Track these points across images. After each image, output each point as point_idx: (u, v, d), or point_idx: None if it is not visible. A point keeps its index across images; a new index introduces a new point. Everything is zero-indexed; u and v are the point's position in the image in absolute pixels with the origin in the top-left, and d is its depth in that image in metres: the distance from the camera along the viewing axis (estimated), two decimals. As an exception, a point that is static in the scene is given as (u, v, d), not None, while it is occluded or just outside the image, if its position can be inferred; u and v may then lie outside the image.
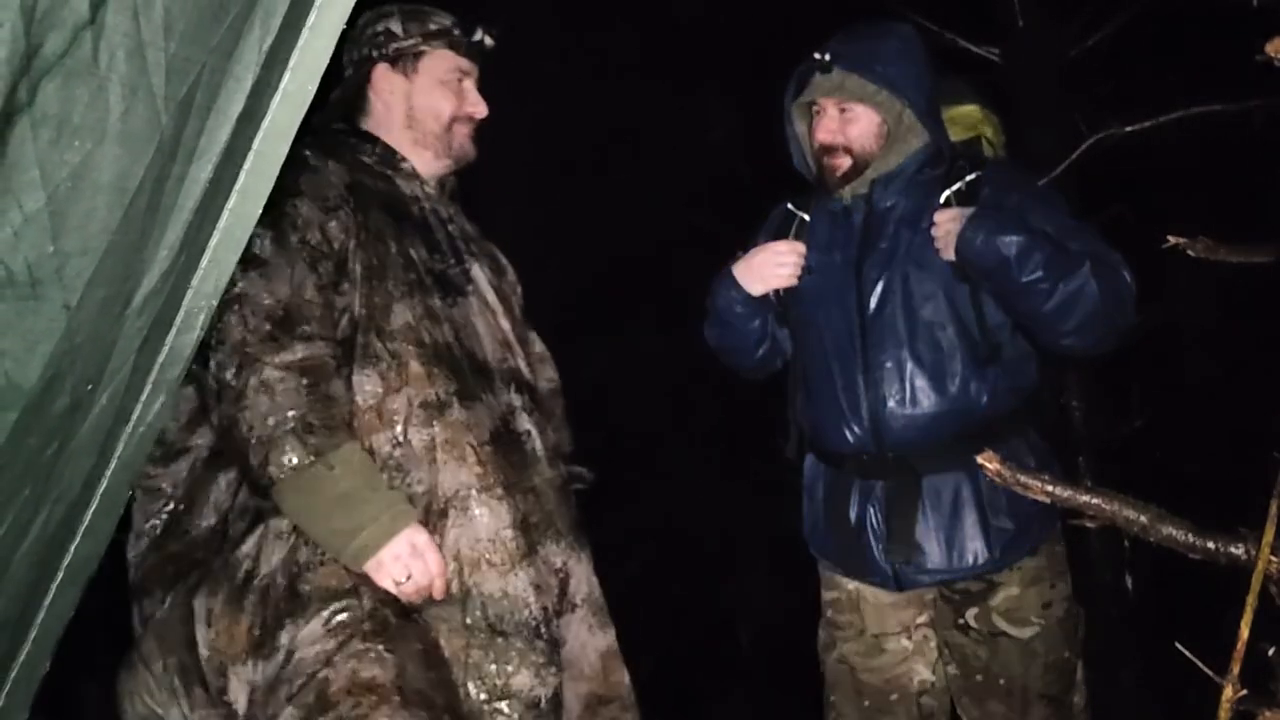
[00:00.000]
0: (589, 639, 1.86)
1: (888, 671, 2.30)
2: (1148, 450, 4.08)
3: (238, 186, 1.00)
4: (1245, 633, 1.27)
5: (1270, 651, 1.33)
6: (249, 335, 1.64)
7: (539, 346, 2.12)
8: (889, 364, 2.15)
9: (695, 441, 5.72)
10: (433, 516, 1.72)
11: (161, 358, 1.06)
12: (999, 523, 2.14)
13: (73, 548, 1.13)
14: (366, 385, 1.73)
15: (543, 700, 1.72)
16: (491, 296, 1.94)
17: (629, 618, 2.09)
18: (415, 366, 1.75)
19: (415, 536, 1.66)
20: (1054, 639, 2.19)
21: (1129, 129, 3.83)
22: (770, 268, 2.24)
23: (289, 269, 1.69)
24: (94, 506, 1.12)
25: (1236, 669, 1.25)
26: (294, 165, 1.78)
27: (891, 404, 2.14)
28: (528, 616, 1.74)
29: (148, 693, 1.69)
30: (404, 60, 1.93)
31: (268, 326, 1.65)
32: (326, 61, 0.98)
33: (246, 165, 0.99)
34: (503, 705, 1.69)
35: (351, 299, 1.75)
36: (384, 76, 1.93)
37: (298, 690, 1.59)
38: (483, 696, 1.69)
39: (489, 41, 1.96)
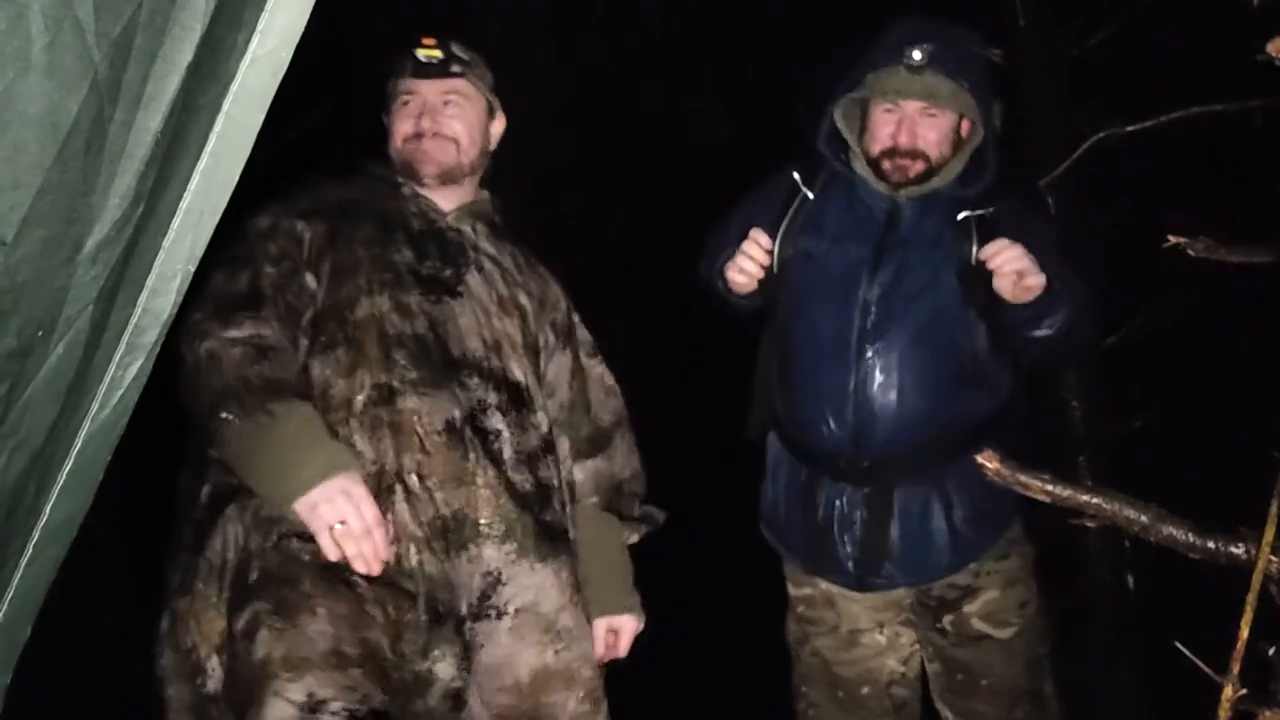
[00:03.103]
0: (519, 651, 1.79)
1: (861, 665, 2.32)
2: (1148, 450, 4.08)
3: (209, 149, 1.01)
4: (1245, 633, 1.28)
5: (1270, 651, 1.34)
6: (202, 313, 1.74)
7: (609, 380, 2.13)
8: (883, 373, 2.12)
9: (696, 439, 5.72)
10: (382, 491, 1.73)
11: (134, 320, 1.07)
12: (965, 531, 2.18)
13: (47, 509, 1.15)
14: (323, 369, 1.77)
15: (456, 694, 1.73)
16: (489, 303, 1.94)
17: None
18: (373, 352, 1.79)
19: (351, 485, 1.66)
20: (1031, 636, 2.25)
21: (1129, 129, 3.83)
22: (743, 260, 2.15)
23: (249, 262, 1.80)
24: (68, 466, 1.13)
25: (1236, 669, 1.26)
26: (308, 183, 1.97)
27: (878, 412, 2.12)
28: (454, 607, 1.74)
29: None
30: (388, 93, 2.03)
31: (222, 307, 1.74)
32: (300, 29, 0.99)
33: (217, 128, 1.00)
34: (428, 691, 1.70)
35: (318, 294, 1.83)
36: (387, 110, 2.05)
37: (227, 677, 1.64)
38: (410, 677, 1.69)
39: (424, 56, 1.97)
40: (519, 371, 1.93)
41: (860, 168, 2.19)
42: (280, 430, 1.66)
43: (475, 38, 2.06)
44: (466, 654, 1.75)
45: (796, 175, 2.27)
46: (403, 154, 1.99)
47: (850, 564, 2.20)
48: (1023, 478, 1.62)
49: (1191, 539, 1.47)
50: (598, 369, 2.13)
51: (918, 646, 2.34)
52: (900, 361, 2.12)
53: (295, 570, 1.66)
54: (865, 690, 2.32)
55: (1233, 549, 1.43)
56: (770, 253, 2.16)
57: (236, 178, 1.06)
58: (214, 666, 1.67)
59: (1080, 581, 2.34)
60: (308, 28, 1.03)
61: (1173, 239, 1.68)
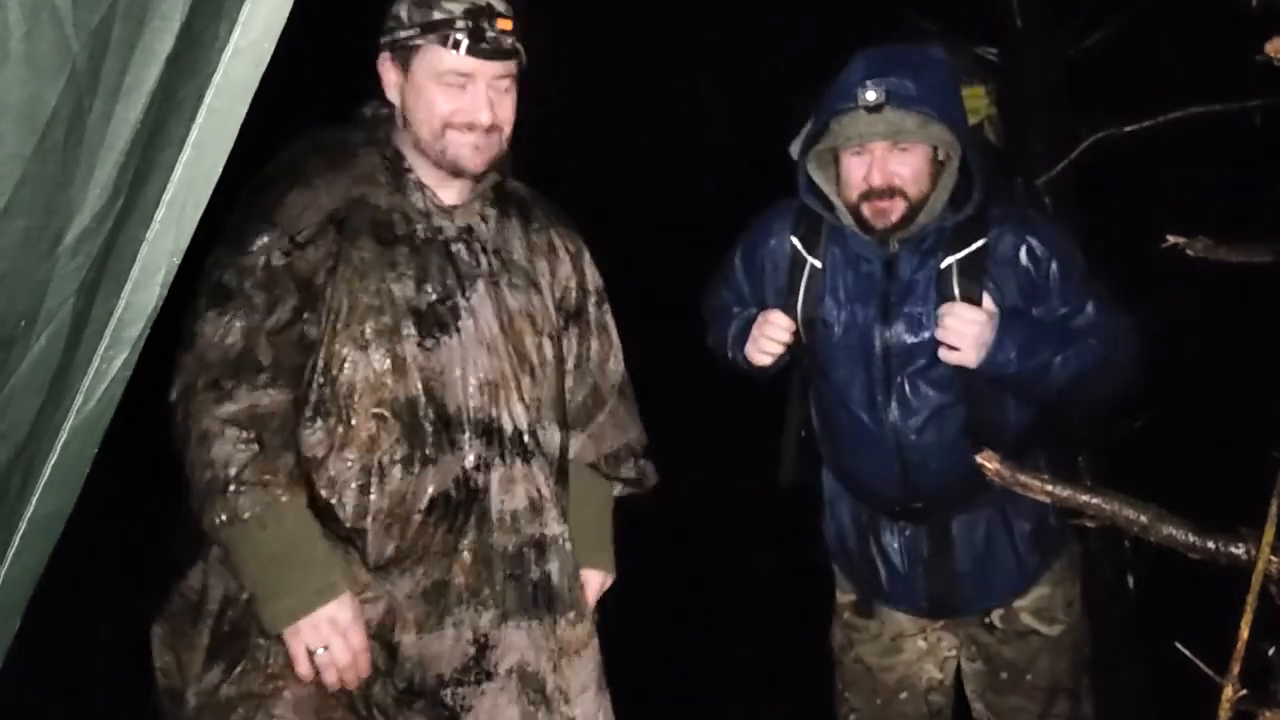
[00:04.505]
0: (505, 711, 1.76)
1: (902, 670, 2.34)
2: (1148, 450, 4.07)
3: (191, 141, 1.00)
4: (1245, 633, 1.27)
5: (1270, 651, 1.33)
6: (196, 380, 1.62)
7: (612, 337, 2.01)
8: (920, 428, 2.10)
9: (697, 440, 5.71)
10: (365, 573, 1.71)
11: (118, 312, 1.07)
12: (1027, 552, 2.19)
13: (33, 501, 1.15)
14: (312, 438, 1.68)
15: None
16: (490, 328, 1.79)
17: (629, 618, 2.08)
18: (363, 429, 1.68)
19: (338, 613, 1.62)
20: (1078, 634, 2.27)
21: (1129, 129, 3.82)
22: (762, 342, 2.15)
23: (247, 308, 1.64)
24: (54, 459, 1.13)
25: (1236, 669, 1.25)
26: (286, 180, 1.72)
27: (925, 465, 2.11)
28: (434, 681, 1.72)
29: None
30: (402, 52, 1.74)
31: (215, 373, 1.62)
32: (283, 21, 0.98)
33: (199, 120, 1.00)
34: None
35: (319, 339, 1.68)
36: (386, 68, 1.77)
37: None
38: None
39: (503, 43, 1.72)
40: (514, 414, 1.80)
41: (845, 218, 2.13)
42: (270, 547, 1.60)
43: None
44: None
45: (797, 241, 2.20)
46: (445, 143, 1.74)
47: (923, 600, 2.23)
48: (1022, 478, 1.62)
49: (1191, 539, 1.46)
50: (604, 319, 2.00)
51: (954, 653, 2.35)
52: (934, 417, 2.10)
53: (262, 642, 1.66)
54: (903, 696, 2.34)
55: (1233, 549, 1.43)
56: (796, 331, 2.15)
57: (220, 171, 1.05)
58: (190, 700, 1.66)
59: (1081, 582, 2.34)
60: (294, 20, 1.02)
61: (1172, 239, 1.67)
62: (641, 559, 2.17)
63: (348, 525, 1.69)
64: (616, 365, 2.01)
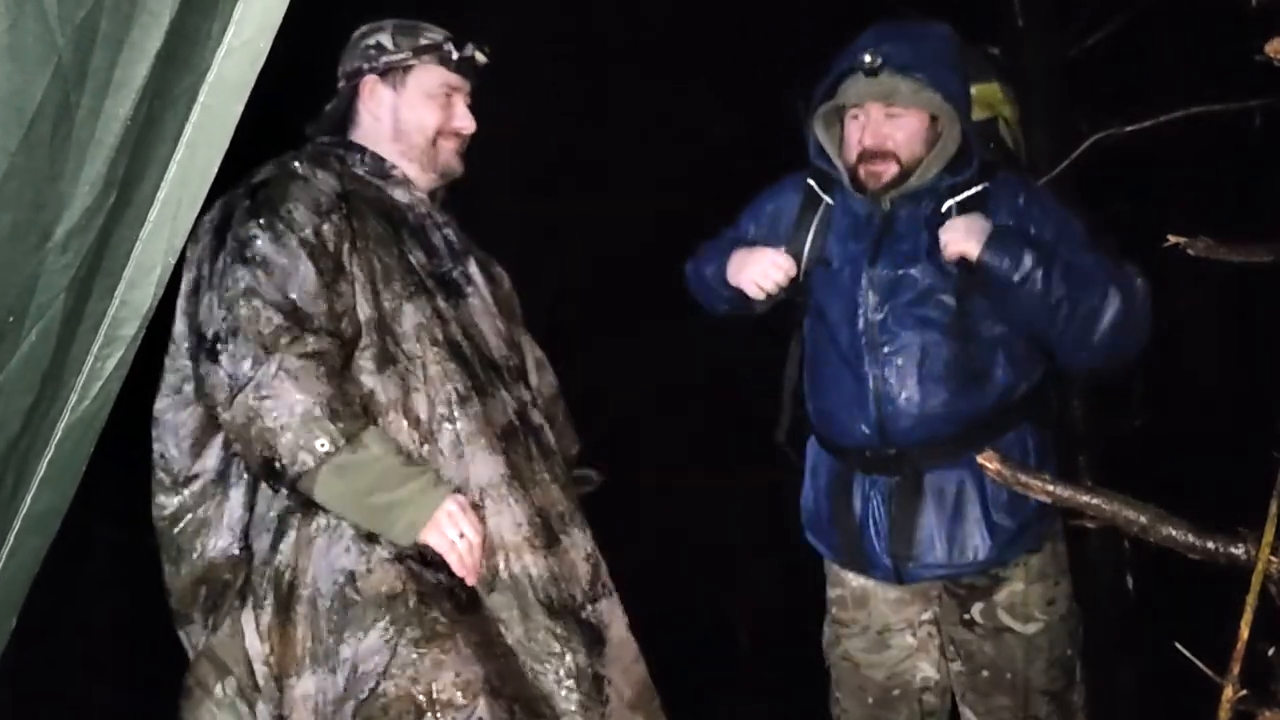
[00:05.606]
0: (623, 623, 1.88)
1: (891, 667, 2.31)
2: (1148, 450, 4.07)
3: (184, 139, 1.00)
4: (1245, 633, 1.27)
5: (1270, 651, 1.33)
6: (263, 327, 1.66)
7: (537, 352, 2.15)
8: (897, 365, 2.14)
9: (695, 440, 5.71)
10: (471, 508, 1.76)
11: (112, 311, 1.07)
12: (1001, 519, 2.16)
13: (28, 498, 1.15)
14: (388, 387, 1.76)
15: (595, 679, 1.78)
16: (489, 299, 1.97)
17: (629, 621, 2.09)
18: (432, 366, 1.79)
19: (462, 499, 1.71)
20: (1057, 635, 2.22)
21: (1129, 129, 3.82)
22: (760, 275, 2.20)
23: (291, 268, 1.72)
24: (48, 456, 1.13)
25: (1236, 669, 1.24)
26: (285, 175, 1.83)
27: (899, 403, 2.14)
28: (569, 598, 1.79)
29: (210, 717, 1.73)
30: (393, 74, 1.95)
31: (280, 319, 1.67)
32: (278, 20, 0.98)
33: (193, 117, 0.99)
34: (571, 684, 1.74)
35: (352, 302, 1.77)
36: (373, 89, 1.95)
37: (363, 704, 1.62)
38: (553, 677, 1.74)
39: (480, 58, 1.97)
40: (529, 369, 1.99)
41: (844, 178, 2.23)
42: (378, 464, 1.66)
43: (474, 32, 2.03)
44: (597, 638, 1.81)
45: (813, 182, 2.29)
46: (436, 150, 1.95)
47: (885, 556, 2.21)
48: (1023, 477, 1.62)
49: (1191, 539, 1.46)
50: (528, 340, 2.15)
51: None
52: (913, 355, 2.14)
53: (425, 595, 1.69)
54: (895, 693, 2.32)
55: (1233, 549, 1.43)
56: (796, 276, 2.22)
57: (215, 170, 1.05)
58: (298, 687, 1.67)
59: (1080, 582, 2.31)
60: (293, 20, 1.02)
61: (1173, 239, 1.67)
62: (641, 561, 2.17)
63: (447, 455, 1.77)
64: (550, 374, 2.17)
